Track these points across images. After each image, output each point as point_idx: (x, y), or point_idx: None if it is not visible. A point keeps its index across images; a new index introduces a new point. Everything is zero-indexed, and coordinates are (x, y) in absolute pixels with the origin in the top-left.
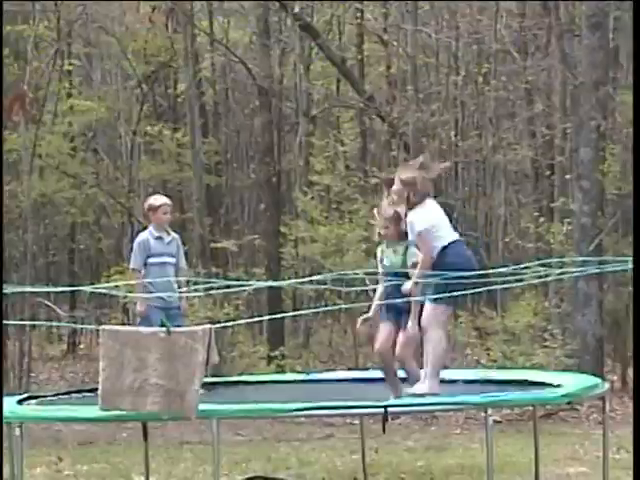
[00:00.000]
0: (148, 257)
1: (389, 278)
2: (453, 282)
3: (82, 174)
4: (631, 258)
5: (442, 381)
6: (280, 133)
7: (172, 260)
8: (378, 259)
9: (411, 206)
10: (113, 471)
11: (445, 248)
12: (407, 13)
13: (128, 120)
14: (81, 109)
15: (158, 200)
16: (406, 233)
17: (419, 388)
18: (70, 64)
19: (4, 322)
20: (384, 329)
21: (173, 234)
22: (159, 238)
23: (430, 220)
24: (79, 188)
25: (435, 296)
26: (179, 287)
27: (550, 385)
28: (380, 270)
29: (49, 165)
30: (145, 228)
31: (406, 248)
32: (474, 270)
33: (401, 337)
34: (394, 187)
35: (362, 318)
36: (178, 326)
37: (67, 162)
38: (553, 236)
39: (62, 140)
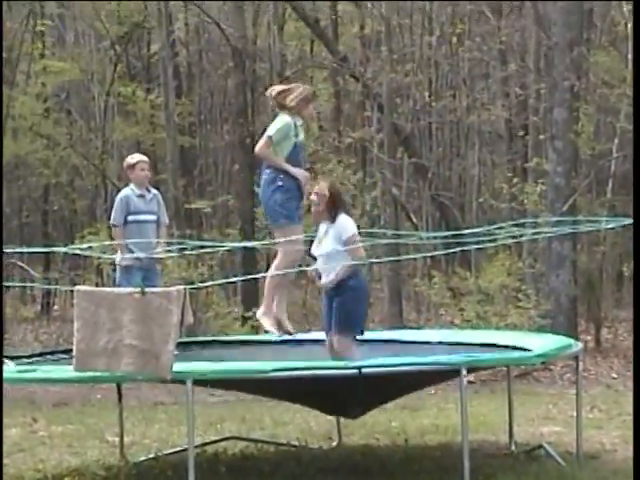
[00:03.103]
0: (128, 214)
1: None
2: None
3: (55, 135)
4: (605, 218)
5: (417, 342)
6: (254, 94)
7: (152, 218)
8: None
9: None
10: (87, 432)
11: (355, 274)
12: None
13: (101, 81)
14: (54, 70)
15: (135, 157)
16: None
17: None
18: (43, 25)
19: None
20: None
21: (154, 191)
22: (141, 196)
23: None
24: (52, 149)
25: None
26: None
27: (524, 346)
28: None
29: (22, 126)
30: (119, 190)
31: None
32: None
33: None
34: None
35: None
36: (155, 286)
37: (40, 123)
38: (527, 196)
39: (35, 101)
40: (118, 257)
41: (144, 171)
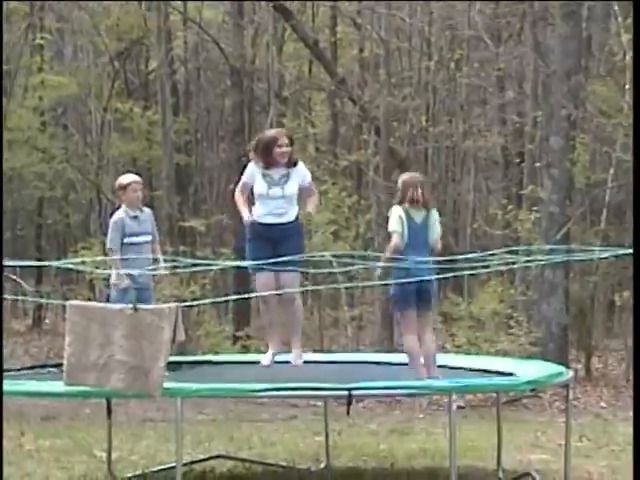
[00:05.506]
0: (124, 237)
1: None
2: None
3: (51, 149)
4: (598, 248)
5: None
6: (251, 114)
7: (148, 239)
8: None
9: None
10: (75, 447)
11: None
12: None
13: (99, 96)
14: (52, 84)
15: (127, 178)
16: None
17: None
18: (42, 38)
19: None
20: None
21: (146, 210)
22: (134, 217)
23: None
24: (48, 163)
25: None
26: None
27: (514, 372)
28: None
29: (18, 139)
30: (117, 207)
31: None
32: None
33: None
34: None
35: None
36: (147, 303)
37: (37, 136)
38: (521, 224)
39: (32, 114)
40: (113, 277)
41: (136, 192)
